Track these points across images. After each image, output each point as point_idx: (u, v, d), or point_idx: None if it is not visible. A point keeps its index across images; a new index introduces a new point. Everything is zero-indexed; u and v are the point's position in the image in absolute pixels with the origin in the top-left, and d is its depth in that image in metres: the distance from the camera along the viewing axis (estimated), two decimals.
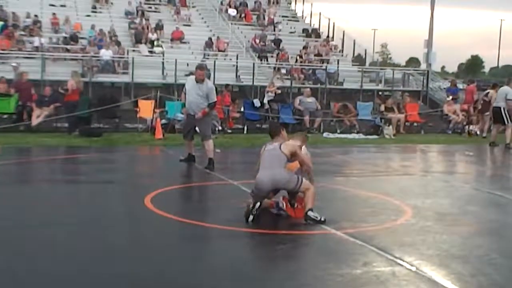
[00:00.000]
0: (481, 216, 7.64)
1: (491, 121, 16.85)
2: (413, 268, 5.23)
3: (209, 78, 22.34)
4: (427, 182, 10.56)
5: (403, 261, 5.41)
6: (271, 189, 6.88)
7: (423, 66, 29.21)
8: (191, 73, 22.52)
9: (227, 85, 19.25)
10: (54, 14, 25.27)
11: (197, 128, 10.84)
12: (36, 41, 22.49)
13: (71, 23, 24.93)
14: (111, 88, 22.33)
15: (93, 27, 24.51)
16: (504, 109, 15.66)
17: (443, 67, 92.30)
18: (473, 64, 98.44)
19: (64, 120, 15.66)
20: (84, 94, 16.54)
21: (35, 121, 15.33)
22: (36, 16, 24.72)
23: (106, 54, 22.17)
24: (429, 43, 26.99)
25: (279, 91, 19.98)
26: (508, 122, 15.65)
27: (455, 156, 15.00)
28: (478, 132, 18.95)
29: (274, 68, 24.36)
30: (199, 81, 10.48)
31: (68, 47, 23.21)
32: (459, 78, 51.10)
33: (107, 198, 8.19)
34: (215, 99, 10.74)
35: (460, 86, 25.98)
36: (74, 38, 23.57)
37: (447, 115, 20.00)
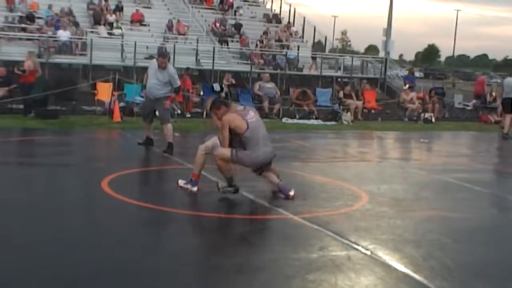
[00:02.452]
0: (433, 201, 7.84)
1: None
2: (368, 252, 5.35)
3: (168, 61, 22.23)
4: (383, 168, 10.75)
5: (359, 245, 5.53)
6: None
7: (382, 54, 29.54)
8: (151, 56, 22.41)
9: (187, 68, 19.08)
10: None
11: (156, 112, 10.81)
12: None
13: (27, 2, 24.24)
14: (68, 69, 21.93)
15: (50, 6, 23.91)
16: None
17: (401, 55, 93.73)
18: (430, 53, 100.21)
19: (19, 102, 15.33)
20: (40, 75, 16.18)
21: None
22: None
23: (63, 34, 21.69)
24: (387, 32, 27.28)
25: (233, 81, 19.99)
26: None
27: (410, 143, 15.30)
28: (433, 120, 19.40)
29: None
30: (161, 67, 10.45)
31: (24, 26, 22.65)
32: (416, 66, 51.94)
33: (63, 181, 8.08)
34: (179, 83, 10.81)
35: (417, 74, 26.44)
36: (30, 18, 22.99)
37: (403, 102, 20.33)
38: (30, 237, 5.35)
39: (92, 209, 6.67)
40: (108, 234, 5.61)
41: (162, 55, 10.96)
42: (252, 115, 7.27)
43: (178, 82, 10.72)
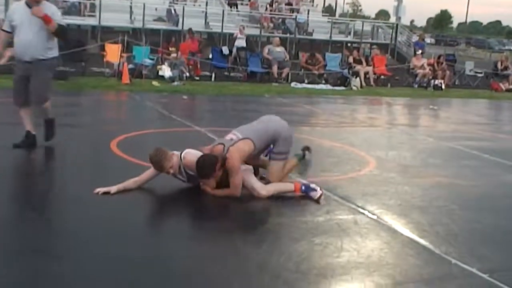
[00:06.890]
0: (441, 168, 7.83)
1: None
2: (374, 217, 5.38)
3: (177, 24, 22.04)
4: (392, 134, 10.73)
5: (365, 210, 5.56)
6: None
7: (393, 19, 29.23)
8: (160, 18, 22.24)
9: (189, 30, 18.40)
10: None
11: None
12: None
13: None
14: (77, 31, 21.86)
15: None
16: None
17: (412, 21, 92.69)
18: (442, 19, 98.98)
19: None
20: None
21: None
22: None
23: None
24: None
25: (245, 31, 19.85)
26: None
27: (419, 110, 15.23)
28: (443, 87, 19.27)
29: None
30: (33, 4, 6.62)
31: None
32: (427, 32, 51.37)
33: (72, 141, 8.11)
34: (62, 22, 6.93)
35: (428, 41, 26.15)
36: None
37: (414, 68, 20.17)
38: (27, 196, 5.41)
39: (100, 170, 6.70)
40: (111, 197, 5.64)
41: None
42: (235, 134, 5.92)
43: (60, 20, 6.91)
